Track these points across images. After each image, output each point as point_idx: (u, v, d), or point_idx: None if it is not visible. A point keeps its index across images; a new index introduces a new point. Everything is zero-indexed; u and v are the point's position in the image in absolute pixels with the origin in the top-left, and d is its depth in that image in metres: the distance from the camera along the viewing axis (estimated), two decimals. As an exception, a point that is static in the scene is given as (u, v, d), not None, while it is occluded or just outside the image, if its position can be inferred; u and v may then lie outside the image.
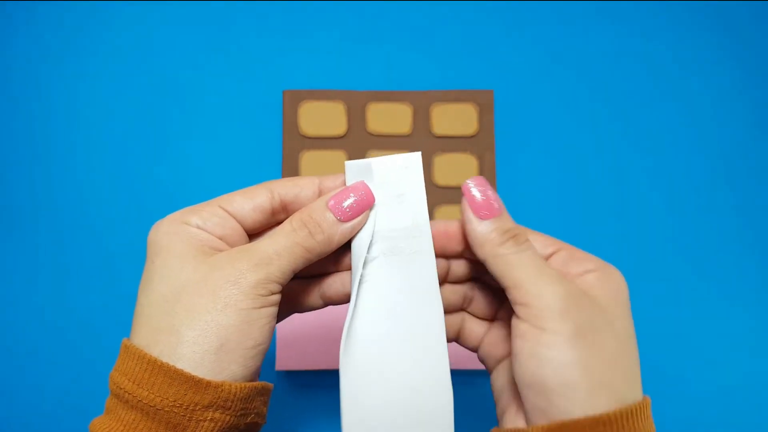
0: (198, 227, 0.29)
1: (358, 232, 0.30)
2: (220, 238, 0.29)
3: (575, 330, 0.26)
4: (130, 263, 0.51)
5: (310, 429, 0.50)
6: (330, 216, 0.29)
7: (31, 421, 0.49)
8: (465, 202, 0.29)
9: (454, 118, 0.53)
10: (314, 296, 0.32)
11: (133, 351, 0.26)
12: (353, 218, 0.29)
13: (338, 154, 0.53)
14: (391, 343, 0.29)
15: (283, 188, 0.30)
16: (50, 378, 0.50)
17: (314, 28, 0.55)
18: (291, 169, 0.52)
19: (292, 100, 0.53)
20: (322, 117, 0.53)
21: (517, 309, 0.27)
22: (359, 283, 0.29)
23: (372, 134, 0.53)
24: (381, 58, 0.55)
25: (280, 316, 0.31)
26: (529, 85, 0.55)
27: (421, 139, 0.53)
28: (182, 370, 0.25)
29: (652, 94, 0.55)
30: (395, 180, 0.30)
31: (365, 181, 0.30)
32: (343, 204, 0.29)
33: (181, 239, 0.28)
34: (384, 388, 0.29)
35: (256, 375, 0.29)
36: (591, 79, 0.55)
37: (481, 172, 0.53)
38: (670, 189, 0.54)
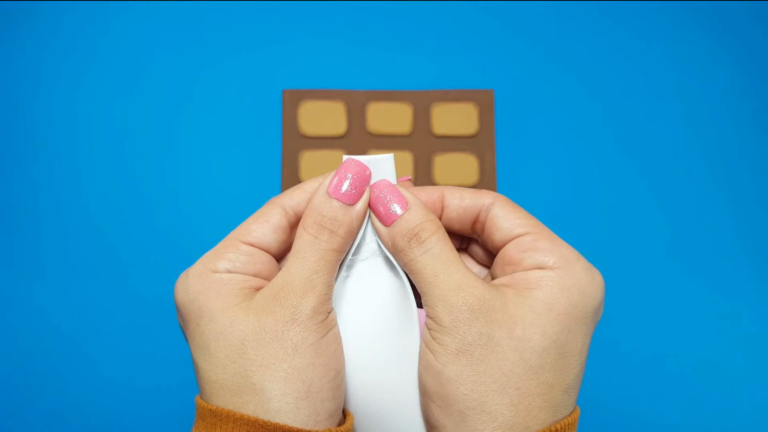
0: (228, 271, 0.27)
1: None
2: (254, 275, 0.27)
3: (461, 345, 0.24)
4: (130, 262, 0.51)
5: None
6: (337, 204, 0.27)
7: (31, 421, 0.49)
8: (371, 209, 0.27)
9: (454, 118, 0.53)
10: None
11: (226, 414, 0.25)
12: (360, 197, 0.27)
13: (338, 154, 0.53)
14: (369, 349, 0.28)
15: (293, 200, 0.28)
16: (50, 378, 0.50)
17: (314, 28, 0.55)
18: (291, 169, 0.52)
19: (292, 99, 0.53)
20: (322, 117, 0.53)
21: (426, 315, 0.26)
22: (342, 279, 0.28)
23: (372, 134, 0.53)
24: (381, 58, 0.55)
25: None
26: (529, 85, 0.55)
27: (421, 138, 0.53)
28: (287, 425, 0.24)
29: (652, 94, 0.55)
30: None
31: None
32: (343, 185, 0.27)
33: (218, 293, 0.26)
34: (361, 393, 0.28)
35: (345, 413, 0.28)
36: (591, 79, 0.55)
37: (482, 171, 0.53)
38: (669, 188, 0.53)
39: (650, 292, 0.52)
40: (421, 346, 0.26)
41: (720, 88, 0.55)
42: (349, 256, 0.28)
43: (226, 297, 0.26)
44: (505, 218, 0.27)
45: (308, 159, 0.52)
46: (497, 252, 0.28)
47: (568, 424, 0.25)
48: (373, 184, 0.28)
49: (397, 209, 0.27)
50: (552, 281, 0.25)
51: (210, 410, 0.25)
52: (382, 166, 0.28)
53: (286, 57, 0.55)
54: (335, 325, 0.27)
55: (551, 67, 0.55)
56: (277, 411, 0.24)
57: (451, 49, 0.55)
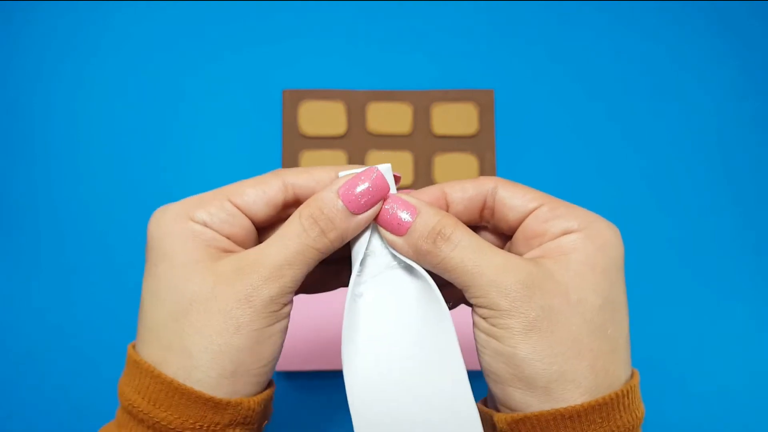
0: (204, 224, 0.26)
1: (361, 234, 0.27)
2: (228, 236, 0.27)
3: (526, 324, 0.24)
4: (131, 262, 0.51)
5: (309, 429, 0.50)
6: (342, 207, 0.26)
7: (31, 421, 0.49)
8: (379, 224, 0.27)
9: (455, 118, 0.53)
10: (343, 276, 0.30)
11: (146, 368, 0.25)
12: (367, 209, 0.26)
13: (338, 154, 0.53)
14: (401, 369, 0.26)
15: (298, 179, 0.27)
16: (50, 378, 0.50)
17: (314, 28, 0.55)
18: (291, 169, 0.52)
19: (292, 99, 0.53)
20: (322, 116, 0.53)
21: (472, 305, 0.26)
22: (354, 298, 0.27)
23: (372, 134, 0.53)
24: (381, 58, 0.55)
25: (307, 291, 0.30)
26: (529, 85, 0.55)
27: (421, 138, 0.53)
28: (202, 392, 0.24)
29: (652, 93, 0.55)
30: None
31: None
32: (356, 191, 0.26)
33: (185, 241, 0.26)
34: (397, 411, 0.26)
35: (268, 383, 0.28)
36: (591, 79, 0.55)
37: (482, 172, 0.53)
38: (669, 188, 0.53)
39: (650, 292, 0.52)
40: (478, 337, 0.26)
41: (722, 87, 0.55)
42: (354, 276, 0.27)
43: (192, 250, 0.26)
44: (514, 197, 0.27)
45: (308, 159, 0.52)
46: (513, 231, 0.28)
47: (637, 383, 0.26)
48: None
49: (407, 216, 0.26)
50: (585, 241, 0.26)
51: (134, 360, 0.26)
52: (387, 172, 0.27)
53: (286, 57, 0.55)
54: (285, 318, 0.26)
55: (551, 67, 0.55)
56: (197, 380, 0.25)
57: (451, 49, 0.55)
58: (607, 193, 0.53)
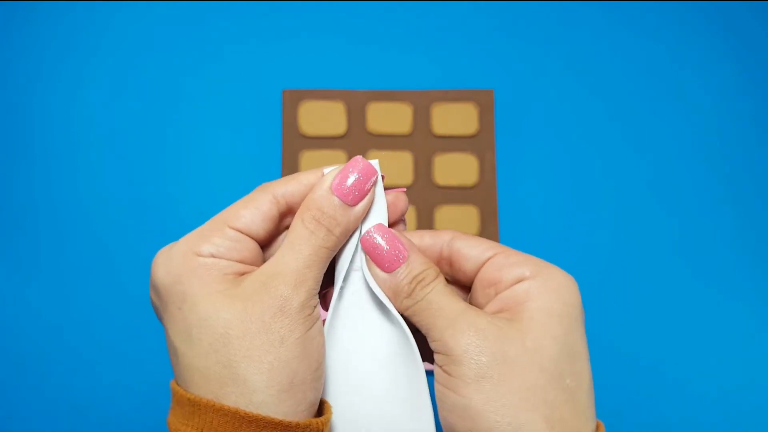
0: (212, 255, 0.26)
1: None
2: (239, 261, 0.27)
3: (477, 371, 0.24)
4: (129, 262, 0.51)
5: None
6: (338, 202, 0.27)
7: (31, 422, 0.49)
8: (368, 256, 0.27)
9: (454, 118, 0.53)
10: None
11: (205, 404, 0.24)
12: (363, 197, 0.27)
13: (338, 154, 0.53)
14: (367, 366, 0.28)
15: (286, 188, 0.28)
16: (50, 379, 0.50)
17: (314, 28, 0.55)
18: (291, 169, 0.52)
19: (292, 99, 0.53)
20: (322, 116, 0.53)
21: (434, 353, 0.26)
22: (339, 295, 0.28)
23: (372, 134, 0.53)
24: (381, 58, 0.55)
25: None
26: (529, 85, 0.55)
27: (421, 139, 0.53)
28: (271, 417, 0.24)
29: (653, 93, 0.55)
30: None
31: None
32: (347, 183, 0.27)
33: (201, 277, 0.26)
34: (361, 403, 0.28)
35: (324, 405, 0.28)
36: (591, 79, 0.55)
37: (481, 171, 0.53)
38: (670, 188, 0.53)
39: (650, 292, 0.52)
40: (436, 390, 0.26)
41: (723, 86, 0.55)
42: (346, 264, 0.28)
43: (210, 283, 0.26)
44: (470, 247, 0.28)
45: (308, 159, 0.52)
46: (470, 281, 0.29)
47: None
48: (368, 230, 0.28)
49: (398, 257, 0.27)
50: (539, 288, 0.26)
51: (189, 399, 0.25)
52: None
53: (286, 57, 0.55)
54: (319, 318, 0.27)
55: (551, 67, 0.55)
56: (260, 403, 0.24)
57: (451, 49, 0.55)
58: (608, 193, 0.53)
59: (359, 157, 0.28)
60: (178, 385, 0.26)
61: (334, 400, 0.28)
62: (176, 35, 0.55)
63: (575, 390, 0.25)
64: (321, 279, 0.27)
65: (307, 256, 0.26)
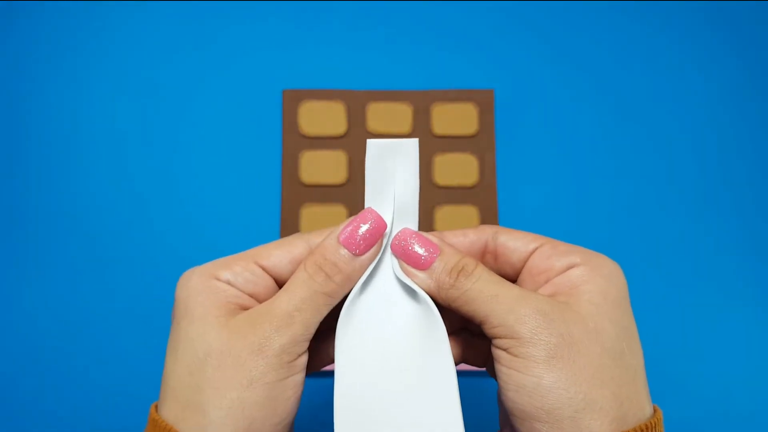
0: (228, 282, 0.27)
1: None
2: (251, 295, 0.27)
3: (548, 352, 0.24)
4: (129, 262, 0.51)
5: (309, 430, 0.50)
6: (345, 252, 0.27)
7: (31, 422, 0.49)
8: (402, 261, 0.28)
9: (454, 118, 0.53)
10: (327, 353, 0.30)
11: (162, 427, 0.25)
12: (368, 248, 0.27)
13: (338, 154, 0.53)
14: (389, 370, 0.27)
15: (318, 239, 0.28)
16: (50, 379, 0.50)
17: (314, 28, 0.55)
18: (291, 169, 0.52)
19: (292, 99, 0.53)
20: (322, 116, 0.53)
21: (492, 339, 0.26)
22: (352, 308, 0.28)
23: (372, 134, 0.53)
24: (381, 58, 0.55)
25: (315, 367, 0.30)
26: (530, 85, 0.55)
27: (421, 138, 0.53)
28: None
29: (654, 92, 0.55)
30: (392, 166, 0.28)
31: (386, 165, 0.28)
32: (357, 234, 0.27)
33: (205, 297, 0.26)
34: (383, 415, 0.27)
35: None
36: (591, 78, 0.55)
37: (481, 171, 0.53)
38: (671, 188, 0.53)
39: (650, 292, 0.52)
40: (500, 372, 0.25)
41: (725, 87, 0.55)
42: (356, 289, 0.28)
43: (211, 306, 0.26)
44: (515, 240, 0.29)
45: (308, 159, 0.52)
46: (518, 273, 0.29)
47: (661, 418, 0.26)
48: (397, 234, 0.28)
49: (430, 253, 0.27)
50: (592, 273, 0.26)
51: (153, 419, 0.26)
52: (405, 151, 0.28)
53: (286, 57, 0.55)
54: (300, 371, 0.26)
55: (551, 67, 0.55)
56: None
57: (451, 49, 0.55)
58: (608, 193, 0.53)
59: (371, 209, 0.28)
60: (155, 405, 0.27)
61: (356, 394, 0.27)
62: (176, 35, 0.55)
63: (636, 368, 0.26)
64: (312, 326, 0.26)
65: (299, 299, 0.26)
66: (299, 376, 0.26)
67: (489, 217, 0.52)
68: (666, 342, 0.51)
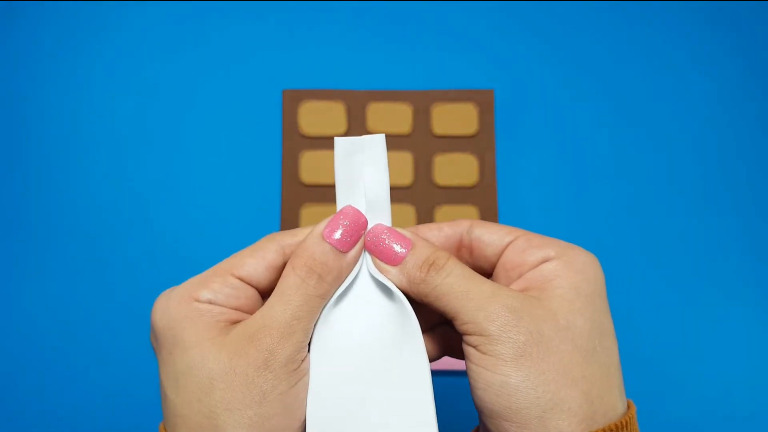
0: (209, 302, 0.26)
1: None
2: (236, 309, 0.27)
3: (516, 350, 0.24)
4: (128, 262, 0.51)
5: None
6: (330, 248, 0.26)
7: (31, 423, 0.49)
8: (374, 257, 0.27)
9: (454, 118, 0.53)
10: None
11: None
12: (353, 245, 0.27)
13: (338, 154, 0.52)
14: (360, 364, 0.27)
15: (293, 240, 0.28)
16: (49, 380, 0.50)
17: (314, 28, 0.55)
18: (291, 169, 0.52)
19: (292, 99, 0.53)
20: (322, 117, 0.53)
21: (462, 335, 0.26)
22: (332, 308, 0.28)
23: (372, 134, 0.53)
24: (381, 58, 0.55)
25: None
26: (530, 85, 0.55)
27: (421, 139, 0.53)
28: None
29: (654, 92, 0.55)
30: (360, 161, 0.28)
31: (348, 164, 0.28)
32: (338, 231, 0.27)
33: (193, 323, 0.26)
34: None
35: None
36: (591, 79, 0.55)
37: (481, 171, 0.53)
38: (671, 188, 0.53)
39: (650, 291, 0.52)
40: (469, 369, 0.25)
41: (726, 87, 0.55)
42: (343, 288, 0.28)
43: (201, 330, 0.25)
44: (490, 233, 0.28)
45: (308, 159, 0.52)
46: (492, 267, 0.29)
47: (634, 414, 0.25)
48: (369, 230, 0.27)
49: (402, 248, 0.27)
50: (565, 268, 0.26)
51: None
52: (371, 147, 0.28)
53: (286, 57, 0.55)
54: (306, 372, 0.26)
55: (551, 67, 0.55)
56: None
57: (451, 49, 0.55)
58: (607, 193, 0.53)
59: (350, 206, 0.27)
60: (164, 427, 0.26)
61: (328, 392, 0.27)
62: (176, 36, 0.55)
63: (608, 365, 0.25)
64: (311, 330, 0.26)
65: (296, 307, 0.26)
66: (305, 378, 0.26)
67: (489, 217, 0.52)
68: (666, 342, 0.51)
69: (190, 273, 0.51)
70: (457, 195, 0.52)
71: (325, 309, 0.27)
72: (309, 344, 0.27)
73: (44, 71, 0.54)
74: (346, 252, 0.27)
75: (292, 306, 0.26)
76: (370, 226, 0.28)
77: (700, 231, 0.53)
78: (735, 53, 0.56)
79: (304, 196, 0.52)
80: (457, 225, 0.29)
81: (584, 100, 0.55)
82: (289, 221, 0.52)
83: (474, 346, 0.25)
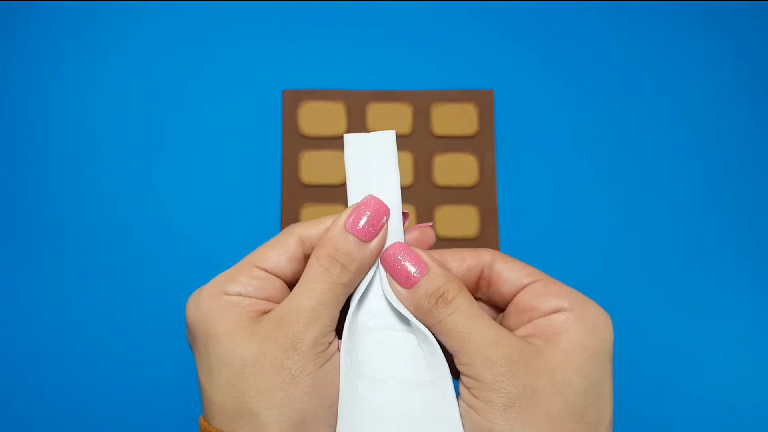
0: (239, 294, 0.27)
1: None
2: (265, 299, 0.28)
3: (506, 400, 0.24)
4: (128, 262, 0.51)
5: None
6: (354, 239, 0.27)
7: (31, 423, 0.49)
8: (388, 273, 0.28)
9: (454, 118, 0.53)
10: None
11: None
12: (376, 234, 0.27)
13: (338, 154, 0.53)
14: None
15: (311, 231, 0.28)
16: (51, 381, 0.50)
17: (314, 28, 0.55)
18: (291, 169, 0.52)
19: (292, 100, 0.53)
20: (322, 117, 0.53)
21: (460, 373, 0.26)
22: (353, 320, 0.28)
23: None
24: (381, 58, 0.55)
25: None
26: (529, 85, 0.55)
27: (421, 139, 0.53)
28: None
29: (651, 94, 0.55)
30: (373, 158, 0.28)
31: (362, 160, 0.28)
32: (361, 221, 0.27)
33: (225, 315, 0.27)
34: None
35: None
36: (591, 79, 0.55)
37: (481, 172, 0.53)
38: (669, 189, 0.53)
39: (649, 291, 0.52)
40: (461, 407, 0.26)
41: (721, 89, 0.55)
42: (364, 318, 0.28)
43: (233, 320, 0.26)
44: (510, 270, 0.28)
45: (308, 159, 0.52)
46: (506, 304, 0.29)
47: None
48: (387, 248, 0.28)
49: (416, 271, 0.27)
50: (575, 322, 0.26)
51: (205, 429, 0.26)
52: (382, 144, 0.28)
53: (286, 57, 0.55)
54: (335, 353, 0.27)
55: (551, 68, 0.55)
56: None
57: (451, 49, 0.55)
58: (607, 193, 0.53)
59: (372, 196, 0.28)
60: (203, 418, 0.27)
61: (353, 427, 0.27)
62: (176, 36, 0.55)
63: (596, 425, 0.25)
64: (337, 315, 0.27)
65: (321, 294, 0.26)
66: (335, 357, 0.27)
67: (489, 216, 0.52)
68: (665, 343, 0.51)
69: (190, 272, 0.51)
70: (457, 195, 0.52)
71: (352, 327, 0.27)
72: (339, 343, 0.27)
73: (44, 72, 0.54)
74: (368, 241, 0.27)
75: (317, 293, 0.26)
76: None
77: (700, 231, 0.53)
78: (735, 54, 0.56)
79: (304, 196, 0.52)
80: (479, 256, 0.29)
81: (584, 100, 0.55)
82: (289, 221, 0.52)
83: (468, 388, 0.25)
